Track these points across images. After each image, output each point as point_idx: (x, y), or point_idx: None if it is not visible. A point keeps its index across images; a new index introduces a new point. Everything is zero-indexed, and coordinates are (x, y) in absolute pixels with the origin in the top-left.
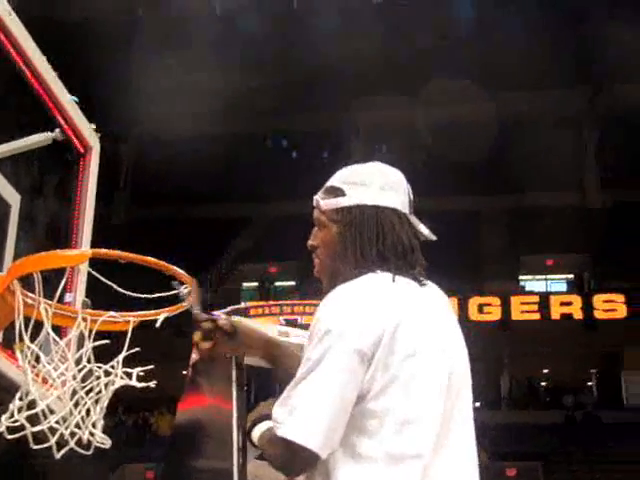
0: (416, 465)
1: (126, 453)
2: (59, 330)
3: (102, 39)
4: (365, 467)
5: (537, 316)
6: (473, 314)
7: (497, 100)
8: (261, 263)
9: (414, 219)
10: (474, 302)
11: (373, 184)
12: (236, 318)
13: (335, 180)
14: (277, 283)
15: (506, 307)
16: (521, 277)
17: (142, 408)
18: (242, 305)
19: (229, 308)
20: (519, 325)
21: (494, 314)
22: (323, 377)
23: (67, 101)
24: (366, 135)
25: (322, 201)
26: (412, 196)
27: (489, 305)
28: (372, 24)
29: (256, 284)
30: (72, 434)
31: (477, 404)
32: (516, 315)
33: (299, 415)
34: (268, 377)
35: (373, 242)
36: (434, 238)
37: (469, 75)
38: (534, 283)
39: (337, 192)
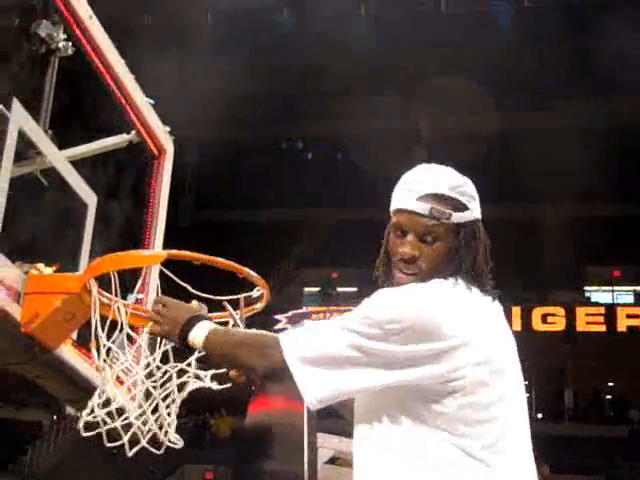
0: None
1: (185, 454)
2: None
3: (163, 40)
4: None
5: (603, 328)
6: (537, 324)
7: (549, 109)
8: (323, 268)
9: None
10: (538, 312)
11: (476, 196)
12: None
13: (447, 189)
14: (339, 289)
15: (571, 318)
16: (586, 288)
17: (203, 410)
18: (303, 310)
19: (290, 313)
20: (584, 337)
21: (558, 324)
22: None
23: (143, 103)
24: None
25: (447, 211)
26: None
27: (553, 315)
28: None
29: (318, 289)
30: (144, 432)
31: (540, 415)
32: (581, 326)
33: (307, 345)
34: None
35: (481, 258)
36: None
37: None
38: (600, 294)
39: (457, 204)
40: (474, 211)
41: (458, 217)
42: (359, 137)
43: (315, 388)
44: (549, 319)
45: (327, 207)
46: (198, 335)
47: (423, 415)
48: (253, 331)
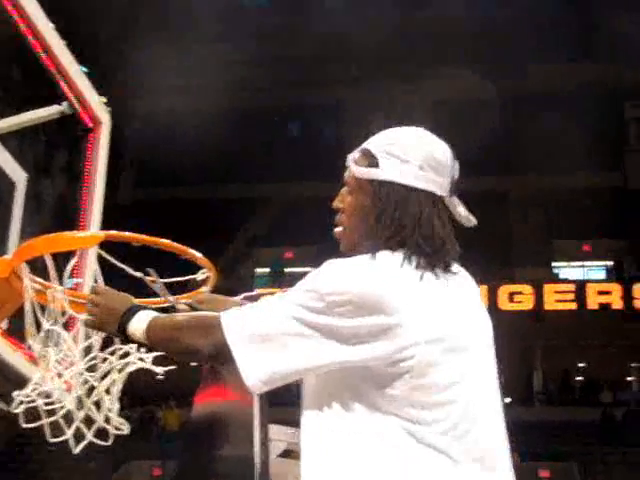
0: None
1: (131, 449)
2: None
3: (103, 11)
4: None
5: (573, 306)
6: (503, 303)
7: (523, 73)
8: (277, 247)
9: (454, 202)
10: (504, 290)
11: (413, 161)
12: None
13: (374, 144)
14: (296, 269)
15: (539, 296)
16: (555, 264)
17: (148, 401)
18: (255, 292)
19: (241, 295)
20: (553, 315)
21: (526, 303)
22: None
23: (75, 72)
24: (385, 111)
25: (354, 166)
26: (457, 174)
27: (520, 294)
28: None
29: (270, 269)
30: (88, 424)
31: (508, 400)
32: (550, 305)
33: (249, 321)
34: None
35: (399, 225)
36: (473, 222)
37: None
38: (569, 270)
39: (372, 160)
40: (387, 172)
41: (362, 172)
42: (315, 106)
43: (257, 368)
44: (516, 297)
45: (282, 182)
46: (138, 326)
47: (374, 400)
48: (196, 313)
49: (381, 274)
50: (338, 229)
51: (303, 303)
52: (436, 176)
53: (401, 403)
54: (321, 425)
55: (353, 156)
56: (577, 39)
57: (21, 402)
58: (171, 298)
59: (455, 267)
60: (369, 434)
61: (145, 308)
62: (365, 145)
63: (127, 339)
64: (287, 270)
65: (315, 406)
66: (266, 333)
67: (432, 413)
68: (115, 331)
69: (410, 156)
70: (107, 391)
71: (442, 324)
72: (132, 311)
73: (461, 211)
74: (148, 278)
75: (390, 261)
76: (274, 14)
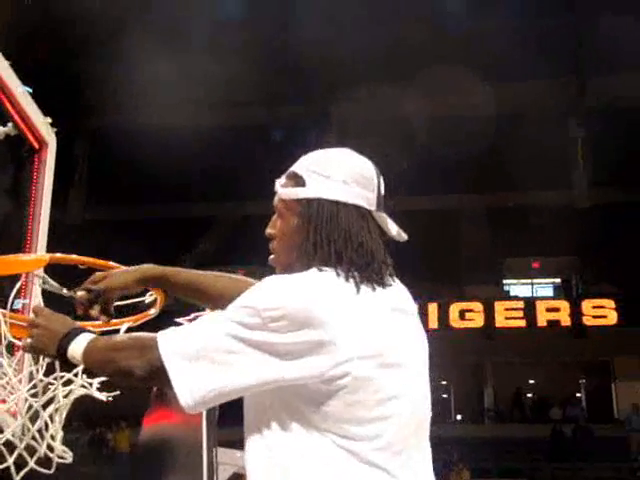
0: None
1: (81, 472)
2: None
3: (55, 18)
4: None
5: (522, 323)
6: (454, 320)
7: (479, 92)
8: (227, 266)
9: (382, 217)
10: (455, 308)
11: (336, 176)
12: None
13: (298, 166)
14: None
15: (489, 313)
16: (505, 281)
17: (98, 424)
18: (205, 312)
19: (192, 315)
20: (503, 333)
21: (477, 321)
22: (231, 336)
23: (20, 92)
24: (347, 127)
25: (281, 189)
26: (383, 191)
27: (471, 311)
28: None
29: None
30: (31, 452)
31: (459, 417)
32: (500, 322)
33: (185, 339)
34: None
35: (330, 242)
36: (404, 238)
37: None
38: (519, 287)
39: (298, 180)
40: (313, 189)
41: (289, 193)
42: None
43: (191, 386)
44: (467, 315)
45: (232, 201)
46: (77, 349)
47: (311, 418)
48: (135, 333)
49: (315, 289)
50: (272, 257)
51: (239, 320)
52: (362, 190)
53: (337, 420)
54: (262, 445)
55: (280, 181)
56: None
57: None
58: (65, 291)
59: (390, 280)
60: (308, 452)
61: (86, 331)
62: (291, 168)
63: (66, 363)
64: None
65: (255, 426)
66: (201, 351)
67: (368, 429)
68: (54, 354)
69: (335, 172)
70: (51, 418)
71: (377, 339)
72: (72, 334)
73: (391, 226)
74: (36, 278)
75: (324, 276)
76: (252, 28)
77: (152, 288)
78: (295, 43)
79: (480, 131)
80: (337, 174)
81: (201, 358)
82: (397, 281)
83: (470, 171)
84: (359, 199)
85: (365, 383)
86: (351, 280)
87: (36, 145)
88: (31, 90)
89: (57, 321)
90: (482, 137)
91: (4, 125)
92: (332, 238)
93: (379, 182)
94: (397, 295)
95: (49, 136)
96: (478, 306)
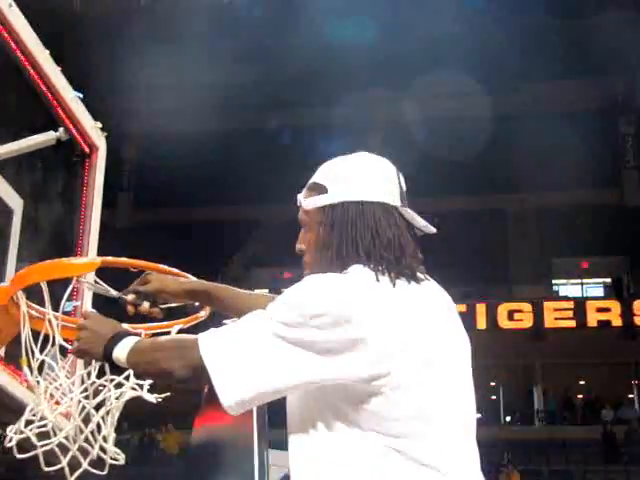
0: None
1: (130, 474)
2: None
3: (97, 32)
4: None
5: (572, 323)
6: (503, 321)
7: (526, 90)
8: (274, 268)
9: (408, 212)
10: (504, 308)
11: (357, 178)
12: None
13: (318, 176)
14: None
15: (538, 314)
16: (554, 281)
17: (148, 424)
18: None
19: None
20: (552, 333)
21: (525, 321)
22: (273, 340)
23: (71, 97)
24: (382, 130)
25: (304, 200)
26: (404, 186)
27: (520, 312)
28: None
29: (267, 290)
30: (84, 453)
31: (508, 419)
32: (549, 322)
33: (225, 339)
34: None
35: (358, 241)
36: (432, 231)
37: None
38: (568, 288)
39: (320, 189)
40: (336, 194)
41: (313, 202)
42: (313, 125)
43: (232, 386)
44: (516, 315)
45: (278, 202)
46: (122, 351)
47: (354, 417)
48: (179, 334)
49: (354, 286)
50: (305, 271)
51: (280, 317)
52: (385, 187)
53: (381, 418)
54: (307, 448)
55: (302, 194)
56: (569, 54)
57: (13, 436)
58: (114, 292)
59: (423, 276)
60: (354, 452)
61: (132, 334)
62: (311, 180)
63: (112, 365)
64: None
65: (298, 427)
66: (242, 349)
67: (414, 427)
68: (101, 356)
69: (355, 174)
70: (103, 420)
71: (417, 335)
72: (118, 336)
73: (418, 219)
74: (85, 282)
75: (362, 274)
76: (262, 30)
77: (197, 301)
78: (299, 46)
79: (527, 130)
80: (358, 175)
81: (242, 357)
82: (430, 278)
83: (519, 171)
84: (383, 196)
85: (407, 380)
86: (386, 276)
87: (87, 149)
88: (82, 95)
89: (104, 324)
90: (528, 136)
91: (55, 130)
92: (360, 237)
93: (400, 179)
94: (432, 290)
95: (99, 140)
96: (527, 306)
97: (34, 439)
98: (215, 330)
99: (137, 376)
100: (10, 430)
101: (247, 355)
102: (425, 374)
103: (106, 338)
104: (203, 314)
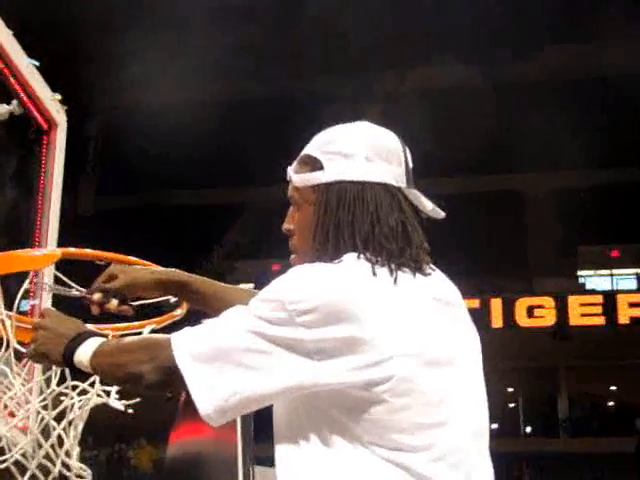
0: None
1: None
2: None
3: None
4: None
5: (601, 320)
6: (521, 319)
7: (544, 57)
8: (261, 260)
9: (414, 193)
10: (522, 304)
11: (357, 154)
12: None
13: (312, 148)
14: None
15: (562, 310)
16: (580, 273)
17: (117, 440)
18: None
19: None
20: (579, 331)
21: (547, 318)
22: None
23: (25, 65)
24: (382, 102)
25: (295, 175)
26: (410, 163)
27: (541, 307)
28: None
29: (253, 285)
30: (45, 471)
31: (529, 429)
32: (575, 319)
33: (202, 338)
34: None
35: (355, 227)
36: (441, 215)
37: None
38: (596, 279)
39: (314, 164)
40: (332, 172)
41: (305, 179)
42: (306, 98)
43: (210, 391)
44: (536, 312)
45: (263, 185)
46: (84, 353)
47: (352, 428)
48: (149, 334)
49: (348, 279)
50: (292, 256)
51: (263, 315)
52: (388, 166)
53: (383, 429)
54: (297, 463)
55: (292, 167)
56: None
57: None
58: (76, 292)
59: (428, 268)
60: (352, 468)
61: (98, 335)
62: (303, 151)
63: (74, 369)
64: None
65: (288, 441)
66: (221, 350)
67: (419, 438)
68: (60, 359)
69: (354, 149)
70: (65, 432)
71: (420, 334)
72: (81, 337)
73: (425, 202)
74: (43, 284)
75: (357, 265)
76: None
77: (172, 294)
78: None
79: (545, 102)
80: (357, 151)
81: (220, 359)
82: (436, 269)
83: (535, 147)
84: (386, 176)
85: (410, 385)
86: (386, 268)
87: (44, 125)
88: (38, 63)
89: (65, 323)
90: (547, 108)
91: (8, 103)
92: (357, 223)
93: (406, 155)
94: (439, 284)
95: (59, 115)
96: (549, 301)
97: None
98: (190, 329)
99: (103, 382)
100: None
101: (226, 356)
102: (430, 379)
103: (67, 339)
104: (179, 312)
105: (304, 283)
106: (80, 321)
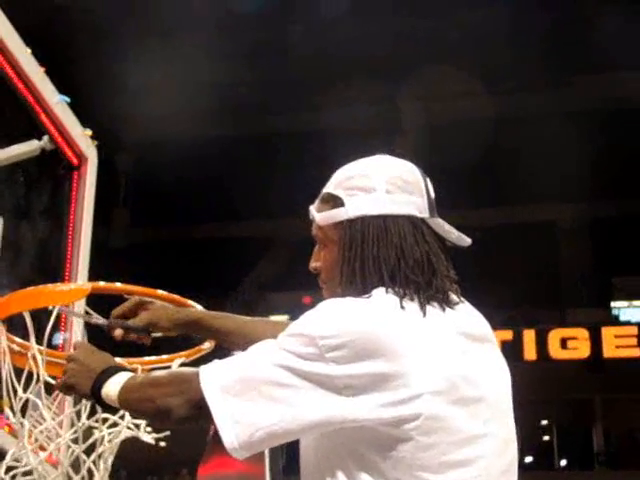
0: None
1: None
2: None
3: (86, 28)
4: None
5: (636, 352)
6: (555, 350)
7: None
8: (292, 292)
9: (438, 222)
10: (555, 335)
11: (377, 188)
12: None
13: (332, 186)
14: None
15: (596, 341)
16: (614, 304)
17: (148, 473)
18: None
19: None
20: (614, 364)
21: (581, 350)
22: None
23: (56, 102)
24: (407, 133)
25: (318, 214)
26: (432, 192)
27: (575, 339)
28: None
29: (287, 316)
30: None
31: (563, 462)
32: (609, 351)
33: (230, 372)
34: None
35: (381, 262)
36: (467, 242)
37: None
38: (631, 311)
39: (335, 201)
40: (354, 208)
41: (327, 217)
42: (331, 130)
43: (237, 425)
44: (570, 344)
45: (293, 218)
46: (112, 387)
47: (380, 466)
48: (177, 369)
49: (377, 314)
50: (323, 291)
51: (292, 349)
52: (410, 197)
53: (411, 467)
54: None
55: (315, 206)
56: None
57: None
58: (101, 320)
59: (456, 298)
60: None
61: (127, 370)
62: (324, 190)
63: (101, 403)
64: None
65: (315, 476)
66: (249, 384)
67: (447, 476)
68: (88, 393)
69: (374, 183)
70: (95, 465)
71: (451, 370)
72: (110, 371)
73: (450, 230)
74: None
75: (387, 299)
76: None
77: (192, 333)
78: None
79: (578, 129)
80: (377, 185)
81: (249, 393)
82: (465, 301)
83: (567, 177)
84: (408, 207)
85: (440, 423)
86: (415, 302)
87: (75, 161)
88: (69, 100)
89: (95, 357)
90: (580, 136)
91: (39, 139)
92: (383, 257)
93: (427, 184)
94: (468, 317)
95: (89, 150)
96: (583, 333)
97: None
98: (219, 362)
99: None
100: None
101: (255, 390)
102: (458, 417)
103: (96, 372)
104: (207, 346)
105: (334, 318)
106: (110, 355)
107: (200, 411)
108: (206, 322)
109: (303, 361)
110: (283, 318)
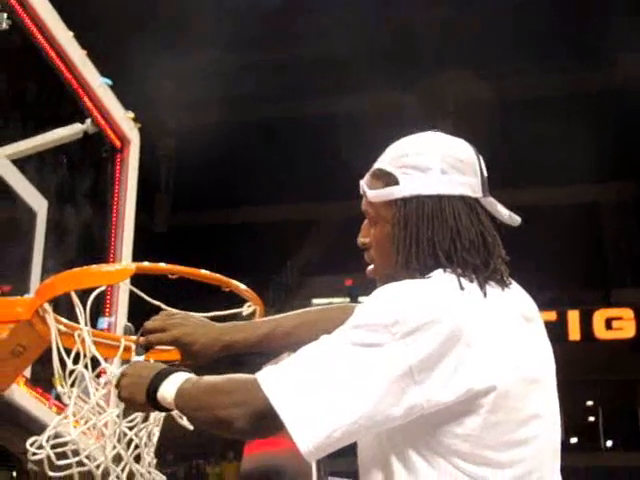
0: None
1: None
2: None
3: (128, 12)
4: None
5: None
6: (600, 331)
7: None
8: (334, 275)
9: (491, 202)
10: (600, 315)
11: (433, 167)
12: None
13: (385, 162)
14: (359, 298)
15: None
16: None
17: (195, 454)
18: None
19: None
20: None
21: (627, 330)
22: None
23: (98, 85)
24: (453, 112)
25: (370, 191)
26: (485, 171)
27: (620, 319)
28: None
29: (330, 300)
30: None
31: (609, 443)
32: None
33: (294, 374)
34: None
35: (436, 243)
36: (517, 221)
37: None
38: None
39: (388, 179)
40: (408, 187)
41: (381, 194)
42: (375, 114)
43: (311, 429)
44: (615, 324)
45: (335, 201)
46: (168, 389)
47: (443, 444)
48: (234, 375)
49: (445, 295)
50: (370, 268)
51: (360, 340)
52: (464, 177)
53: (475, 445)
54: None
55: (365, 181)
56: None
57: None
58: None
59: (509, 280)
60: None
61: (182, 371)
62: (376, 165)
63: (158, 408)
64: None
65: (371, 468)
66: (321, 385)
67: (509, 455)
68: (144, 399)
69: (429, 162)
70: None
71: (515, 350)
72: (164, 372)
73: (502, 210)
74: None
75: (447, 281)
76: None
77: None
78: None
79: (621, 104)
80: (432, 164)
81: (320, 393)
82: (513, 282)
83: (610, 156)
84: (463, 188)
85: (507, 401)
86: (475, 283)
87: (118, 143)
88: (111, 82)
89: (147, 367)
90: (623, 112)
91: (82, 122)
92: (438, 238)
93: (480, 163)
94: (520, 299)
95: (132, 132)
96: (628, 313)
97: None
98: (277, 367)
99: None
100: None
101: (327, 390)
102: (522, 395)
103: (149, 378)
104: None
105: (401, 303)
106: (162, 364)
107: (265, 422)
108: (243, 344)
109: (377, 351)
110: (324, 302)
